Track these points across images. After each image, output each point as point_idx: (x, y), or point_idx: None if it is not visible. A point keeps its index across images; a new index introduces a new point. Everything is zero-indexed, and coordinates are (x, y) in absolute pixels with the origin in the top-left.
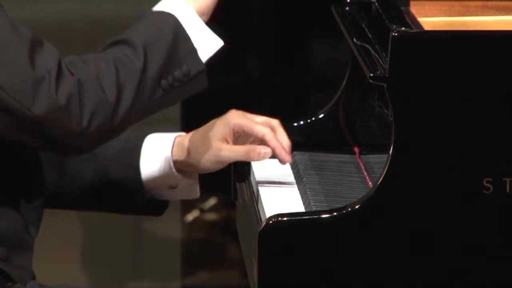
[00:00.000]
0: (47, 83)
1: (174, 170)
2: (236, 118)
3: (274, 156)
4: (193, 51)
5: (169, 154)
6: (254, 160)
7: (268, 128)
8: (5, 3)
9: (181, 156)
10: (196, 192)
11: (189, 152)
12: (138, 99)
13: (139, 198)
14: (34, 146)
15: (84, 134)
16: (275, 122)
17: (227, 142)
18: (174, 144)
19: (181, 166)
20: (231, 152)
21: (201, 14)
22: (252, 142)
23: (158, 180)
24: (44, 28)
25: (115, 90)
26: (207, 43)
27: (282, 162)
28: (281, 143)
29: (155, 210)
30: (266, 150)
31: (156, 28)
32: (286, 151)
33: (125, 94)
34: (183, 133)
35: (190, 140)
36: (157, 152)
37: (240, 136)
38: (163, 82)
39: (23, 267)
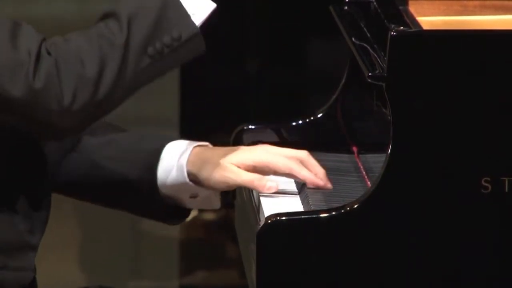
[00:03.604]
0: (26, 66)
1: (187, 179)
2: (261, 154)
3: None
4: (184, 14)
5: (184, 163)
6: (260, 191)
7: (296, 161)
8: (4, 2)
9: (194, 166)
10: (217, 203)
11: (202, 164)
12: (122, 72)
13: (155, 201)
14: (23, 128)
15: (68, 112)
16: (303, 154)
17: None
18: (192, 154)
19: (194, 177)
20: (236, 174)
21: None
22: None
23: (175, 187)
24: (42, 27)
25: (95, 65)
26: (198, 7)
27: (324, 189)
28: (314, 174)
29: (172, 217)
30: (272, 184)
31: None
32: (321, 181)
33: (107, 68)
34: (206, 143)
35: (209, 153)
36: (174, 159)
37: (266, 173)
38: (150, 49)
39: (21, 271)
